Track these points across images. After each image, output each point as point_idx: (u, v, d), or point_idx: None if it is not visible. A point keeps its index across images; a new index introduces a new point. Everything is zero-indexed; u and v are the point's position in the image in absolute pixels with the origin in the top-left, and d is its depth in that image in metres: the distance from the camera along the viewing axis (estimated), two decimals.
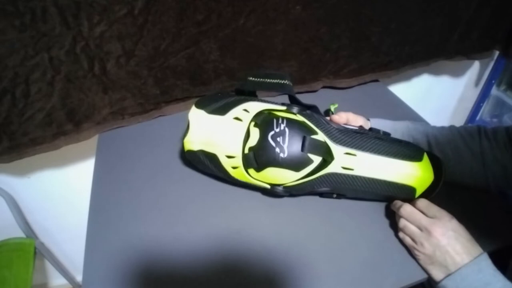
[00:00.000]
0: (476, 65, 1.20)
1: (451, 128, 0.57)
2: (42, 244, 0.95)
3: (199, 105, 0.53)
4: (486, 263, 0.41)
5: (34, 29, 0.53)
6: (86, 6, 0.54)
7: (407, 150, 0.50)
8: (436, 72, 1.14)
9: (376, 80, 0.87)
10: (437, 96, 1.23)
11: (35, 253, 0.88)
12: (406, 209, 0.47)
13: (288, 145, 0.47)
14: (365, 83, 0.85)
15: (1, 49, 0.53)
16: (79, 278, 1.11)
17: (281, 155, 0.47)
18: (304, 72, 0.78)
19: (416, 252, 0.45)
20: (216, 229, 0.51)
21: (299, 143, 0.47)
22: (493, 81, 1.18)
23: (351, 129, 0.52)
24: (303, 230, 0.51)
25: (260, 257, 0.48)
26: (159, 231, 0.51)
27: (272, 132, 0.47)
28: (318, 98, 0.80)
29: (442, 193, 0.47)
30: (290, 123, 0.48)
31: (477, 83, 1.26)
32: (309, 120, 0.49)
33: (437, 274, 0.43)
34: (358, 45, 0.78)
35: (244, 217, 0.53)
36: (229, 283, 0.45)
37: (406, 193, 0.49)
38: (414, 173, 0.48)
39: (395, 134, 0.56)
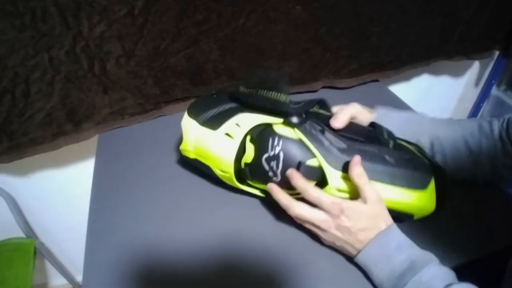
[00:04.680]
0: (476, 65, 1.20)
1: (456, 129, 0.55)
2: (42, 244, 0.95)
3: (191, 113, 0.51)
4: (387, 238, 0.42)
5: (34, 29, 0.53)
6: (86, 6, 0.54)
7: (412, 177, 0.46)
8: (436, 72, 1.14)
9: (376, 80, 0.87)
10: (437, 96, 1.23)
11: (35, 253, 0.88)
12: (299, 210, 0.46)
13: (281, 170, 0.46)
14: (365, 83, 0.85)
15: (1, 49, 0.53)
16: (79, 278, 1.11)
17: (274, 178, 0.47)
18: (304, 72, 0.78)
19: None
20: (216, 229, 0.51)
21: (293, 168, 0.46)
22: (493, 81, 1.18)
23: (354, 144, 0.47)
24: (303, 229, 0.51)
25: (260, 257, 0.48)
26: (159, 231, 0.51)
27: (266, 155, 0.47)
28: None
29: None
30: (286, 145, 0.46)
31: (477, 83, 1.27)
32: (307, 137, 0.46)
33: (348, 252, 0.46)
34: (358, 45, 0.78)
35: (245, 216, 0.53)
36: (230, 283, 0.45)
37: (401, 218, 0.47)
38: (415, 203, 0.46)
39: (399, 134, 0.54)
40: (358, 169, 0.43)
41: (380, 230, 0.43)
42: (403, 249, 0.41)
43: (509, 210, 0.54)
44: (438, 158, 0.54)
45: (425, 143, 0.55)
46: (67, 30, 0.55)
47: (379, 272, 0.42)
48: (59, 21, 0.54)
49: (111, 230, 0.51)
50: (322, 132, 0.46)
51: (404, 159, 0.47)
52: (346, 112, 0.52)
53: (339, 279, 0.45)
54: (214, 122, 0.49)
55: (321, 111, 0.52)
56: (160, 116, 0.73)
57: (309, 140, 0.45)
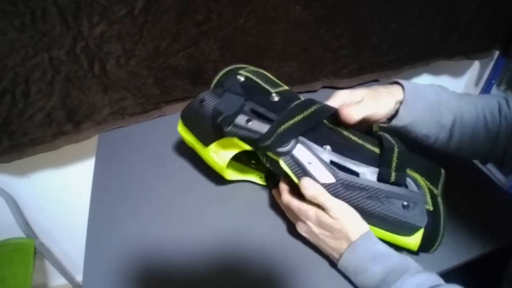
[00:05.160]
0: (476, 65, 1.20)
1: (477, 107, 0.51)
2: (42, 244, 0.95)
3: (185, 122, 0.52)
4: (361, 249, 0.41)
5: (34, 29, 0.53)
6: (86, 6, 0.54)
7: (399, 224, 0.44)
8: (436, 72, 1.14)
9: (376, 80, 0.87)
10: None
11: (35, 253, 0.88)
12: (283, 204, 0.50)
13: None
14: (365, 83, 0.85)
15: (1, 49, 0.53)
16: (79, 278, 1.11)
17: None
18: (304, 72, 0.78)
19: None
20: (216, 229, 0.51)
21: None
22: (493, 81, 1.18)
23: (345, 177, 0.44)
24: None
25: (261, 256, 0.48)
26: (159, 231, 0.51)
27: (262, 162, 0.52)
28: (318, 98, 0.79)
29: (445, 190, 0.47)
30: (273, 165, 0.48)
31: (477, 83, 1.26)
32: (291, 167, 0.45)
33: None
34: (358, 45, 0.78)
35: (245, 217, 0.53)
36: (230, 283, 0.45)
37: None
38: (394, 242, 0.45)
39: (426, 110, 0.50)
40: (310, 192, 0.43)
41: (351, 242, 0.42)
42: (378, 260, 0.40)
43: (509, 210, 0.54)
44: (456, 138, 0.50)
45: (447, 122, 0.51)
46: (67, 30, 0.55)
47: (360, 284, 0.42)
48: (59, 21, 0.54)
49: (111, 230, 0.52)
50: (310, 163, 0.44)
51: (399, 199, 0.44)
52: (358, 113, 0.46)
53: (339, 279, 0.45)
54: (204, 139, 0.50)
55: (328, 123, 0.47)
56: (160, 116, 0.73)
57: (294, 170, 0.45)
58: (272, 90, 0.49)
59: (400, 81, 0.52)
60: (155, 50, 0.63)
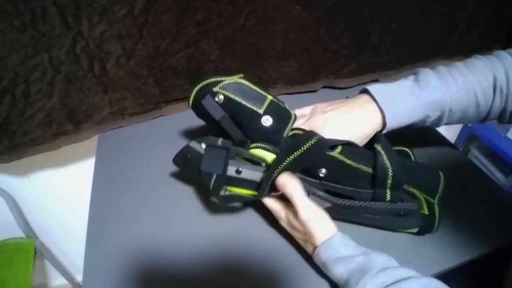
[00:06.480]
0: None
1: (469, 93, 0.50)
2: (42, 244, 0.95)
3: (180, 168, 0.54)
4: (325, 255, 0.41)
5: (34, 29, 0.53)
6: (86, 6, 0.54)
7: (394, 228, 0.49)
8: None
9: (376, 80, 0.87)
10: None
11: (35, 253, 0.88)
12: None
13: None
14: (365, 83, 0.85)
15: (1, 49, 0.53)
16: (79, 278, 1.11)
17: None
18: (304, 72, 0.78)
19: None
20: (216, 229, 0.51)
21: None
22: None
23: (341, 201, 0.45)
24: None
25: (260, 257, 0.48)
26: (159, 231, 0.51)
27: None
28: (318, 98, 0.80)
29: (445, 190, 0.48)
30: None
31: None
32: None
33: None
34: (358, 45, 0.78)
35: (245, 216, 0.53)
36: (230, 283, 0.45)
37: None
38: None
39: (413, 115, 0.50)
40: (286, 191, 0.44)
41: (315, 247, 0.43)
42: (340, 263, 0.40)
43: (509, 210, 0.54)
44: (444, 123, 0.52)
45: (434, 118, 0.51)
46: (67, 30, 0.55)
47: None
48: (59, 21, 0.54)
49: (111, 230, 0.52)
50: (307, 194, 0.45)
51: (395, 213, 0.45)
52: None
53: None
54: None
55: (340, 156, 0.46)
56: (160, 116, 0.73)
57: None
58: (260, 111, 0.48)
59: (378, 101, 0.50)
60: (155, 50, 0.63)
